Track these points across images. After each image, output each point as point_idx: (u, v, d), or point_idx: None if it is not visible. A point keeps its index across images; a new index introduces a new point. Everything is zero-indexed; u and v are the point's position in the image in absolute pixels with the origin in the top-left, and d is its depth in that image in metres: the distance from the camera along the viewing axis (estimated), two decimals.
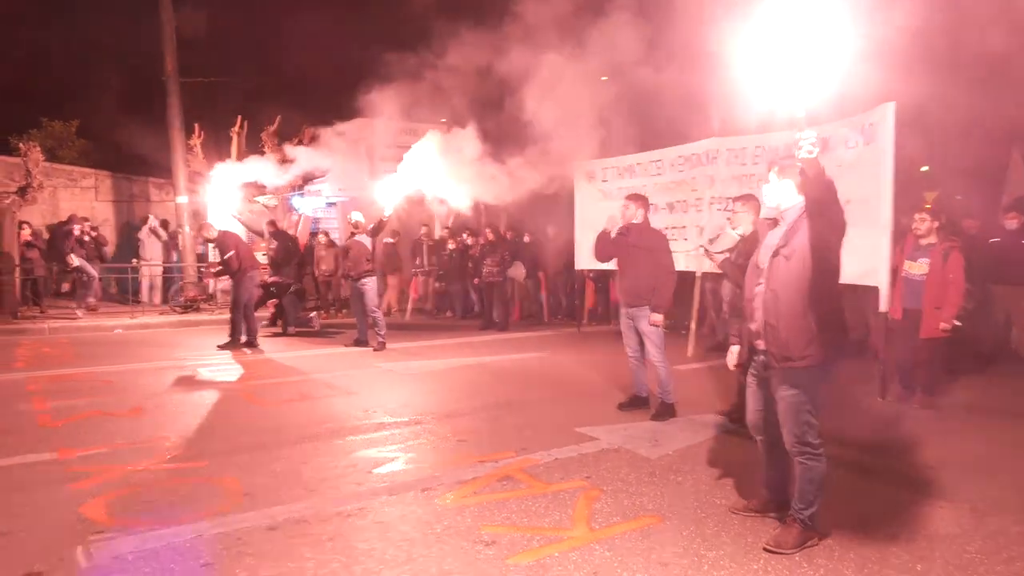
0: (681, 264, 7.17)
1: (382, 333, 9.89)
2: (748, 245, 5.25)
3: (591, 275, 12.58)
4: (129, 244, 16.36)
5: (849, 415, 6.08)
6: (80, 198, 17.28)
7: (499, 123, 9.24)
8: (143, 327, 12.44)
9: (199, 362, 8.94)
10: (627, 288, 6.17)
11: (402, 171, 9.48)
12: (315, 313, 12.34)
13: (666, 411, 6.08)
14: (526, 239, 13.85)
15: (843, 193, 3.51)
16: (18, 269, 12.61)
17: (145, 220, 15.80)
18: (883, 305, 6.73)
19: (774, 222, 3.83)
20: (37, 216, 15.27)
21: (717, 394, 6.94)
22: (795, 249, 3.47)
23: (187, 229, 14.99)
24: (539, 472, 4.69)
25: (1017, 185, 10.40)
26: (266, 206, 14.28)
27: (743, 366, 3.89)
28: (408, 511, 4.04)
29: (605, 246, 6.33)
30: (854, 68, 3.42)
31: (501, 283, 12.37)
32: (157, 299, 14.91)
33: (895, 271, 6.72)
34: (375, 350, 9.74)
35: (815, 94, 3.25)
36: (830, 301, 3.47)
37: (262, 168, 11.90)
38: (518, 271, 13.07)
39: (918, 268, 6.58)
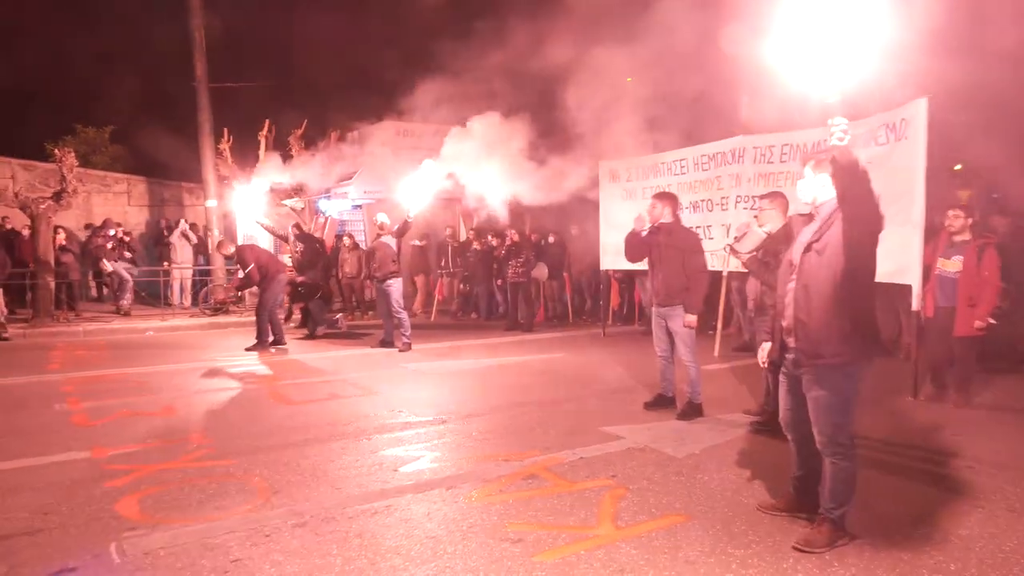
0: (707, 263, 7.09)
1: (407, 334, 9.95)
2: (775, 242, 5.19)
3: (616, 275, 12.52)
4: (152, 248, 16.66)
5: (881, 414, 5.97)
6: (113, 203, 17.64)
7: (535, 120, 9.23)
8: (173, 329, 12.65)
9: (228, 363, 9.06)
10: (658, 288, 6.12)
11: (438, 161, 9.39)
12: (341, 315, 12.45)
13: (693, 411, 6.03)
14: (550, 240, 13.83)
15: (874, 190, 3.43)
16: (53, 273, 12.89)
17: (176, 224, 16.06)
18: (915, 303, 6.61)
19: (808, 218, 3.75)
20: (72, 221, 15.63)
21: (744, 394, 6.87)
22: (828, 244, 3.40)
23: (216, 232, 15.22)
24: (564, 471, 4.67)
25: None
26: (293, 209, 14.44)
27: (774, 364, 3.84)
28: (434, 509, 4.05)
29: (635, 246, 6.28)
30: (888, 55, 3.35)
31: (526, 284, 12.37)
32: (187, 302, 15.16)
33: (927, 269, 6.59)
34: (400, 351, 9.79)
35: (849, 79, 3.19)
36: (864, 298, 3.39)
37: (306, 172, 12.04)
38: (541, 272, 13.06)
39: (952, 265, 6.45)
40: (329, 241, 14.58)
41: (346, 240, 14.23)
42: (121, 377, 8.10)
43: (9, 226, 13.83)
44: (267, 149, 14.79)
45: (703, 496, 4.22)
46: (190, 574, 3.28)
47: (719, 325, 9.66)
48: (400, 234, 10.23)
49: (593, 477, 4.55)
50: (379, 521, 3.88)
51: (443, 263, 15.20)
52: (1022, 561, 3.37)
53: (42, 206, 12.45)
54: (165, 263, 15.39)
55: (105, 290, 14.30)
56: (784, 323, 3.61)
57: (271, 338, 9.96)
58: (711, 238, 9.25)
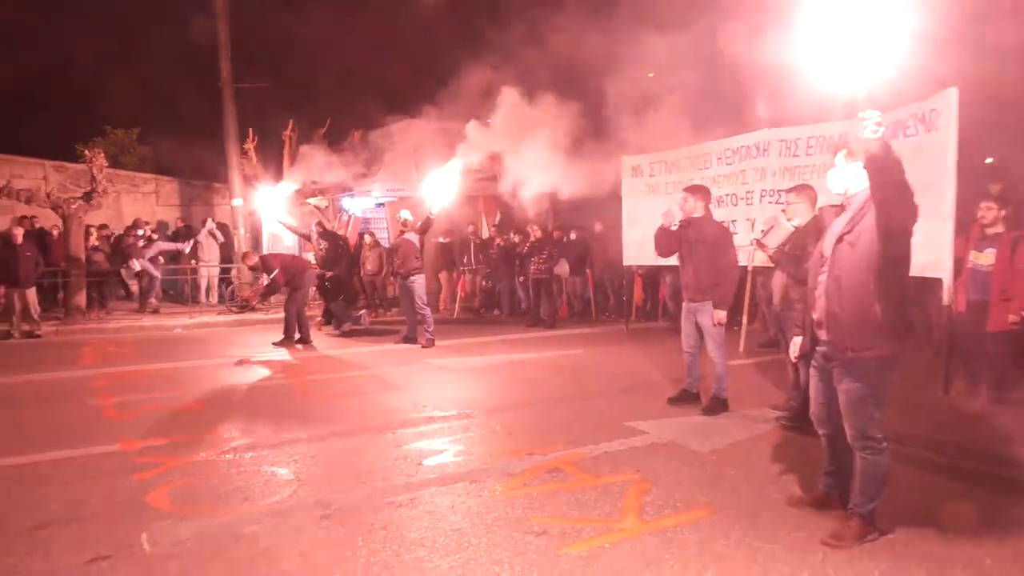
0: None
1: (430, 330, 9.98)
2: (803, 236, 5.11)
3: (639, 271, 12.45)
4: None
5: (911, 411, 5.85)
6: (142, 203, 17.94)
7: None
8: (201, 326, 12.82)
9: (255, 359, 9.17)
10: (688, 283, 6.06)
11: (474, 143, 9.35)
12: (364, 311, 12.54)
13: (718, 406, 5.97)
14: (572, 236, 13.79)
15: None
16: (85, 272, 13.14)
17: (203, 223, 16.27)
18: (946, 297, 6.48)
19: (839, 209, 3.69)
20: (102, 220, 15.90)
21: (769, 389, 6.79)
22: (861, 234, 3.33)
23: (242, 231, 15.41)
24: (588, 465, 4.66)
25: None
26: (317, 207, 14.56)
27: (805, 357, 3.78)
28: (458, 502, 4.06)
29: (665, 240, 6.22)
30: (916, 48, 3.30)
31: (548, 280, 12.35)
32: (214, 299, 15.37)
33: (959, 262, 6.46)
34: (424, 347, 9.83)
35: (876, 73, 3.14)
36: (898, 289, 3.32)
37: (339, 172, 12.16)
38: (562, 268, 13.02)
39: (984, 258, 6.31)
40: (352, 239, 14.67)
41: (367, 238, 14.31)
42: (151, 373, 8.24)
43: (39, 225, 14.09)
44: (291, 149, 14.94)
45: (729, 490, 4.18)
46: (219, 563, 3.33)
47: (744, 320, 9.56)
48: (423, 231, 10.28)
49: (617, 471, 4.53)
50: (404, 513, 3.91)
51: (465, 260, 15.22)
52: None
53: (73, 206, 12.69)
54: (193, 261, 15.61)
55: (134, 288, 14.53)
56: (815, 316, 3.56)
57: (298, 335, 10.06)
58: (736, 233, 9.12)
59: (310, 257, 14.27)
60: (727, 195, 9.48)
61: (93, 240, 13.94)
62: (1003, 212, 6.35)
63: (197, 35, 15.59)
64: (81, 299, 12.89)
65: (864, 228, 3.33)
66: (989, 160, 12.82)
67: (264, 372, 8.29)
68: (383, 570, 3.26)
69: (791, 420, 5.52)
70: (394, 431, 5.57)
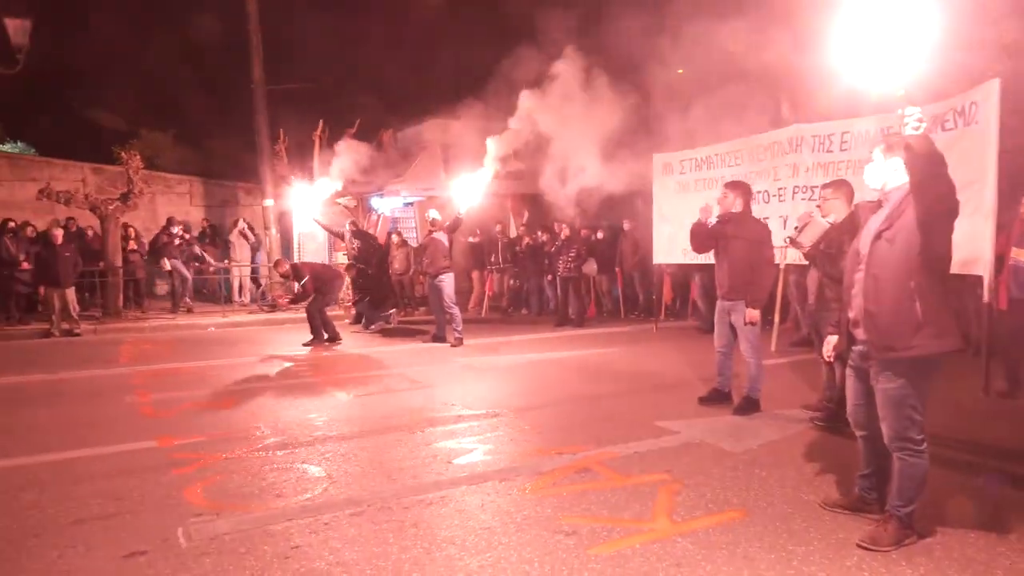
0: None
1: (459, 329, 10.01)
2: (839, 233, 5.00)
3: (668, 270, 12.35)
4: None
5: (950, 411, 5.72)
6: (176, 203, 18.27)
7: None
8: (234, 325, 13.03)
9: (287, 358, 9.29)
10: (723, 280, 5.97)
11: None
12: (392, 311, 12.62)
13: (750, 406, 5.90)
14: (599, 235, 13.73)
15: None
16: (122, 272, 13.43)
17: (235, 223, 16.53)
18: (987, 295, 6.32)
19: (875, 206, 3.61)
20: (138, 221, 16.25)
21: (803, 389, 6.69)
22: (899, 231, 3.26)
23: (274, 231, 15.61)
24: (618, 465, 4.64)
25: None
26: (346, 207, 14.70)
27: (841, 357, 3.71)
28: (488, 500, 4.07)
29: (701, 237, 6.15)
30: (948, 45, 3.23)
31: (576, 279, 12.31)
32: (247, 298, 15.60)
33: (1000, 259, 6.29)
34: (452, 345, 9.87)
35: (913, 72, 3.08)
36: (938, 287, 3.24)
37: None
38: (590, 267, 12.97)
39: None
40: (382, 239, 14.79)
41: (394, 237, 14.42)
42: (186, 371, 8.40)
43: (74, 227, 14.43)
44: (321, 149, 15.09)
45: (761, 492, 4.13)
46: (253, 559, 3.38)
47: (776, 319, 9.43)
48: (452, 230, 10.32)
49: (648, 471, 4.50)
50: (434, 511, 3.92)
51: (493, 259, 15.25)
52: None
53: (110, 207, 12.98)
54: (225, 260, 15.86)
55: (164, 287, 14.83)
56: (851, 314, 3.49)
57: (326, 335, 10.17)
58: (770, 231, 9.02)
59: (340, 258, 14.45)
60: (759, 192, 9.33)
61: (132, 244, 14.25)
62: None
63: (228, 37, 15.84)
64: (118, 299, 13.18)
65: (903, 225, 3.26)
66: None
67: (295, 371, 8.39)
68: (413, 567, 3.27)
69: (825, 420, 5.43)
70: (423, 430, 5.60)
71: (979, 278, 6.36)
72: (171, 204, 18.12)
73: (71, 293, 11.57)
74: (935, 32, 2.99)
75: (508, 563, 3.30)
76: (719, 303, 6.10)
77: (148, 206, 16.98)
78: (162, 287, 14.92)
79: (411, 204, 17.53)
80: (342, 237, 12.68)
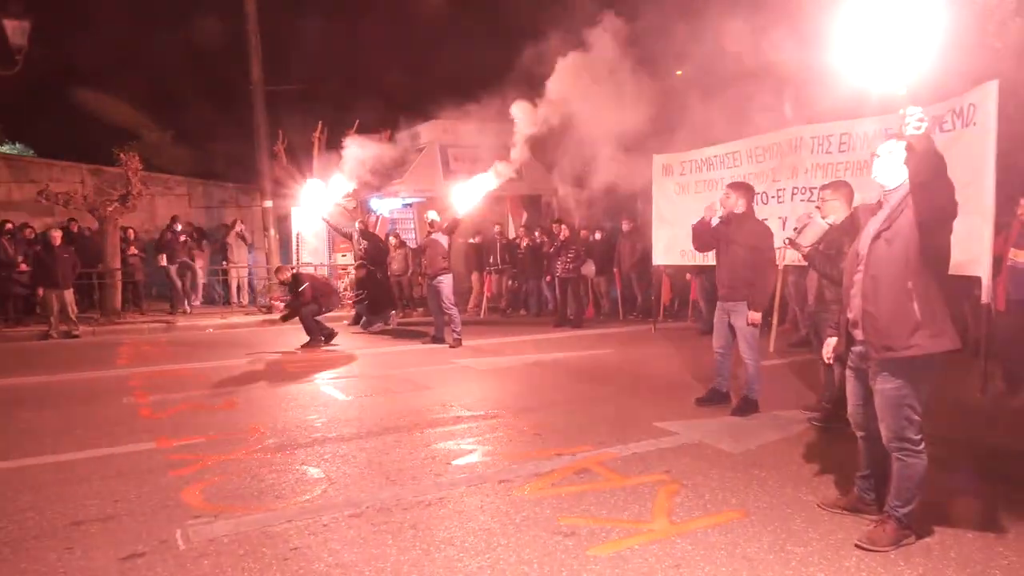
0: None
1: (458, 330, 10.01)
2: (838, 234, 5.00)
3: (667, 271, 12.35)
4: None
5: (948, 411, 5.71)
6: (175, 205, 18.25)
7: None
8: (232, 327, 13.02)
9: (285, 359, 9.29)
10: (724, 280, 5.98)
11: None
12: (392, 312, 12.63)
13: (749, 406, 5.90)
14: (597, 236, 13.74)
15: None
16: (120, 273, 13.41)
17: (232, 224, 16.51)
18: (985, 296, 6.33)
19: (874, 208, 3.62)
20: (136, 223, 16.21)
21: (801, 390, 6.70)
22: (898, 232, 3.27)
23: (272, 232, 15.59)
24: (617, 465, 4.64)
25: None
26: (345, 208, 14.70)
27: (840, 358, 3.72)
28: (487, 502, 4.07)
29: (703, 236, 6.15)
30: (950, 45, 3.23)
31: (575, 280, 12.31)
32: (245, 300, 15.59)
33: (998, 260, 6.30)
34: (451, 347, 9.87)
35: (915, 72, 3.08)
36: (936, 287, 3.25)
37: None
38: (589, 268, 12.98)
39: None
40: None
41: (392, 239, 14.42)
42: (184, 372, 8.39)
43: (76, 228, 14.43)
44: (319, 150, 15.09)
45: (760, 492, 4.13)
46: (252, 561, 3.37)
47: (774, 320, 9.44)
48: (450, 231, 10.31)
49: (647, 472, 4.50)
50: (433, 513, 3.92)
51: (492, 260, 15.26)
52: None
53: (109, 208, 12.96)
54: (224, 262, 15.85)
55: (176, 284, 14.71)
56: (850, 315, 3.50)
57: (322, 335, 10.17)
58: (772, 233, 9.02)
59: (340, 259, 14.47)
60: (758, 193, 9.31)
61: (132, 249, 14.22)
62: None
63: (227, 38, 15.85)
64: (116, 300, 13.16)
65: (902, 225, 3.27)
66: None
67: (293, 372, 8.38)
68: (412, 569, 3.27)
69: (824, 421, 5.43)
70: (422, 431, 5.60)
71: (977, 279, 6.36)
72: (170, 205, 18.10)
73: (69, 295, 11.56)
74: (938, 32, 2.99)
75: (507, 564, 3.30)
76: (719, 304, 6.10)
77: (147, 207, 16.96)
78: (165, 287, 14.82)
79: (410, 205, 17.55)
80: (350, 237, 12.70)
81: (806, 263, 5.54)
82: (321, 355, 9.55)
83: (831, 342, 3.79)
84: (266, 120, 15.41)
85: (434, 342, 10.21)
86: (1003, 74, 6.31)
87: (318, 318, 10.20)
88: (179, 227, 14.41)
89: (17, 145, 22.51)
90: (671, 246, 10.56)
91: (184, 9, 23.11)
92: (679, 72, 9.40)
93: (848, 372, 3.63)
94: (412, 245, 15.08)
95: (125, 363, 9.21)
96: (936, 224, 3.19)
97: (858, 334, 3.45)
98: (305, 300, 10.02)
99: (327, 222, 12.12)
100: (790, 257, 8.23)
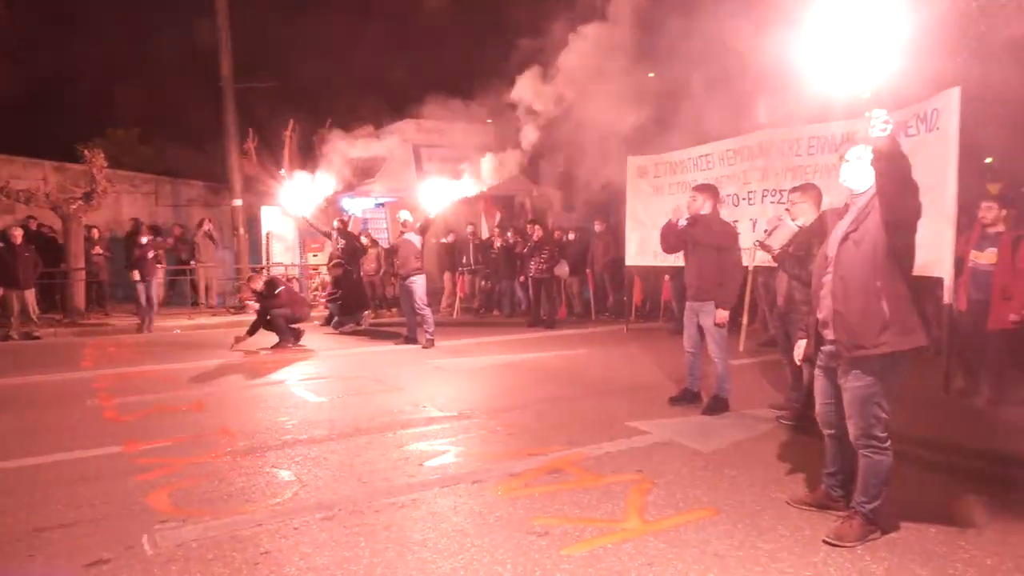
0: None
1: (430, 331, 9.97)
2: (806, 236, 5.09)
3: (639, 272, 12.45)
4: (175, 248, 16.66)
5: (912, 409, 5.83)
6: (141, 203, 17.92)
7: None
8: (200, 328, 12.81)
9: (254, 361, 9.17)
10: (692, 281, 6.05)
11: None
12: (364, 312, 12.54)
13: (719, 405, 5.97)
14: (570, 236, 13.80)
15: None
16: (84, 273, 13.12)
17: (200, 224, 16.24)
18: (947, 296, 6.49)
19: (841, 211, 3.69)
20: (101, 221, 15.88)
21: (770, 389, 6.79)
22: (866, 233, 3.35)
23: (242, 231, 15.39)
24: (590, 465, 4.66)
25: None
26: (320, 208, 14.55)
27: (809, 359, 3.78)
28: (460, 502, 4.06)
29: (671, 238, 6.22)
30: (915, 50, 3.30)
31: (548, 280, 12.35)
32: (213, 300, 15.35)
33: (960, 261, 6.47)
34: (424, 347, 9.83)
35: (879, 75, 3.14)
36: (903, 286, 3.33)
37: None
38: (562, 269, 13.03)
39: (985, 258, 6.32)
40: None
41: (363, 238, 14.33)
42: (151, 374, 8.23)
43: (35, 226, 14.06)
44: (292, 149, 14.93)
45: (731, 490, 4.18)
46: (221, 566, 3.32)
47: (744, 320, 9.56)
48: (423, 231, 10.27)
49: (619, 471, 4.53)
50: (406, 514, 3.90)
51: (465, 260, 15.24)
52: None
53: (73, 207, 12.68)
54: (191, 262, 15.59)
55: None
56: (821, 316, 3.56)
57: (291, 337, 10.05)
58: (739, 233, 9.14)
59: (311, 259, 14.33)
60: (729, 195, 9.47)
61: (96, 248, 13.87)
62: (1004, 212, 6.36)
63: (198, 35, 15.59)
64: (80, 301, 12.87)
65: (869, 226, 3.35)
66: (988, 160, 12.83)
67: (263, 373, 8.28)
68: (386, 571, 3.25)
69: (792, 419, 5.52)
70: (395, 432, 5.57)
71: (940, 280, 6.52)
72: (136, 204, 17.77)
73: (31, 295, 11.28)
74: (901, 36, 3.06)
75: (481, 565, 3.29)
76: (688, 304, 6.18)
77: (112, 206, 16.59)
78: (131, 288, 14.41)
79: (382, 204, 17.45)
80: (329, 236, 12.59)
81: (776, 264, 5.63)
82: (291, 356, 9.44)
83: (801, 344, 3.86)
84: (236, 117, 15.21)
85: (407, 343, 10.16)
86: (967, 79, 6.47)
87: (288, 324, 10.10)
88: (145, 240, 12.69)
89: None
90: (644, 247, 10.65)
91: (154, 3, 22.71)
92: (651, 74, 9.46)
93: (817, 371, 3.70)
94: (385, 245, 15.00)
95: (89, 365, 9.01)
96: (902, 224, 3.28)
97: (828, 334, 3.52)
98: (280, 303, 9.91)
99: (308, 221, 11.98)
100: (760, 258, 8.34)
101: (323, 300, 12.85)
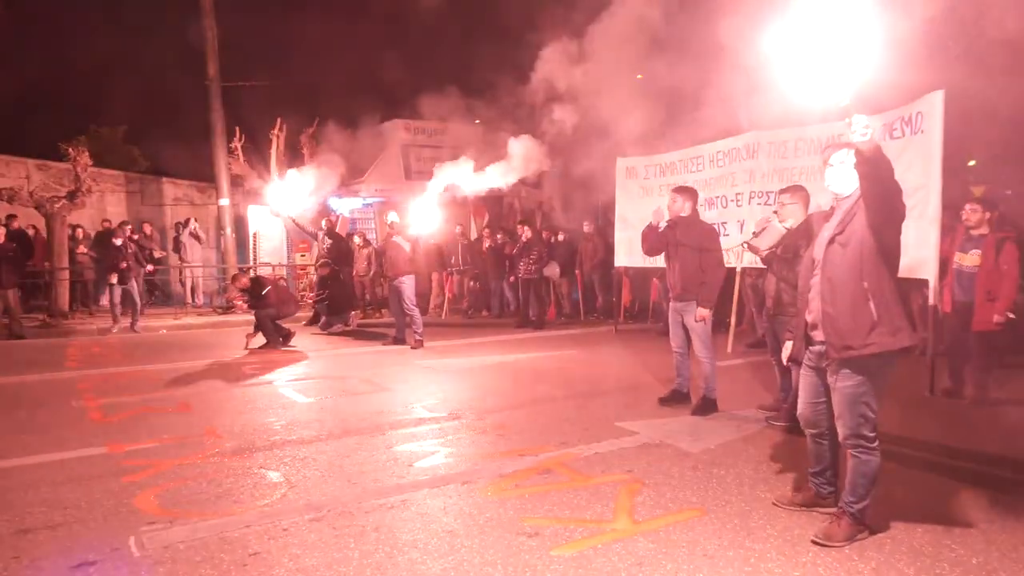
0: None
1: (419, 331, 9.95)
2: (794, 238, 5.13)
3: (628, 272, 12.49)
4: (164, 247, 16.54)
5: (898, 410, 5.90)
6: (126, 202, 17.75)
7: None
8: (186, 328, 12.72)
9: (241, 361, 9.11)
10: (674, 282, 6.09)
11: None
12: (352, 312, 12.50)
13: (708, 406, 6.00)
14: (560, 237, 13.81)
15: None
16: (68, 272, 12.97)
17: (186, 223, 16.12)
18: (932, 298, 6.55)
19: (828, 214, 3.73)
20: (86, 220, 15.72)
21: (758, 390, 6.83)
22: (852, 235, 3.39)
23: (228, 231, 15.29)
24: (579, 466, 4.67)
25: None
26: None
27: (796, 360, 3.82)
28: (450, 503, 4.05)
29: (652, 240, 6.25)
30: (897, 55, 3.33)
31: (537, 281, 12.36)
32: (199, 300, 15.24)
33: (944, 263, 6.54)
34: (413, 348, 9.80)
35: (860, 80, 3.17)
36: (889, 287, 3.38)
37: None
38: (553, 270, 13.05)
39: (969, 260, 6.39)
40: None
41: (356, 239, 14.28)
42: (136, 374, 8.16)
43: (16, 225, 13.86)
44: (279, 148, 14.86)
45: (720, 491, 4.20)
46: (209, 567, 3.29)
47: (732, 321, 9.62)
48: (413, 240, 10.25)
49: (609, 472, 4.54)
50: (395, 515, 3.89)
51: (453, 260, 15.23)
52: None
53: (56, 205, 12.54)
54: (178, 261, 15.49)
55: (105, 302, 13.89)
56: (809, 318, 3.60)
57: (280, 337, 10.01)
58: (727, 235, 9.20)
59: (299, 259, 14.24)
60: (718, 197, 9.54)
61: (81, 247, 13.72)
62: (987, 214, 6.43)
63: (185, 33, 15.48)
64: (64, 300, 12.73)
65: (855, 228, 3.39)
66: (972, 163, 12.97)
67: (251, 374, 8.22)
68: (376, 572, 3.24)
69: (780, 420, 5.55)
70: (384, 433, 5.55)
71: (925, 281, 6.59)
72: (121, 203, 17.60)
73: (13, 294, 11.14)
74: (881, 41, 3.08)
75: (471, 566, 3.29)
76: (671, 304, 6.21)
77: (97, 205, 16.45)
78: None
79: (370, 205, 17.39)
80: (315, 236, 12.53)
81: (764, 266, 5.67)
82: (279, 356, 9.39)
83: (789, 345, 3.90)
84: (223, 116, 15.12)
85: (395, 343, 10.14)
86: (951, 83, 6.54)
87: (275, 323, 10.04)
88: (119, 241, 12.21)
89: None
90: (633, 248, 10.65)
91: (141, 2, 22.51)
92: (639, 76, 9.49)
93: (804, 371, 3.73)
94: (375, 245, 14.95)
95: (74, 365, 8.92)
96: (887, 225, 3.33)
97: (817, 335, 3.55)
98: (269, 303, 9.85)
99: (294, 221, 11.93)
100: (748, 259, 8.40)
101: (311, 301, 12.78)
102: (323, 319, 11.93)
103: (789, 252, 5.09)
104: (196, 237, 15.69)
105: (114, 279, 11.66)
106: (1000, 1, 6.55)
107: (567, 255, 13.51)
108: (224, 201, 15.35)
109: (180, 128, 18.34)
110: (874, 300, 3.34)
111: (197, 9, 14.77)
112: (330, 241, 12.05)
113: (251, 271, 13.75)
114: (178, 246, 15.73)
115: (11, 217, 13.77)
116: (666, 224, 6.08)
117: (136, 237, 14.77)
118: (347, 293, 12.45)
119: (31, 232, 14.01)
